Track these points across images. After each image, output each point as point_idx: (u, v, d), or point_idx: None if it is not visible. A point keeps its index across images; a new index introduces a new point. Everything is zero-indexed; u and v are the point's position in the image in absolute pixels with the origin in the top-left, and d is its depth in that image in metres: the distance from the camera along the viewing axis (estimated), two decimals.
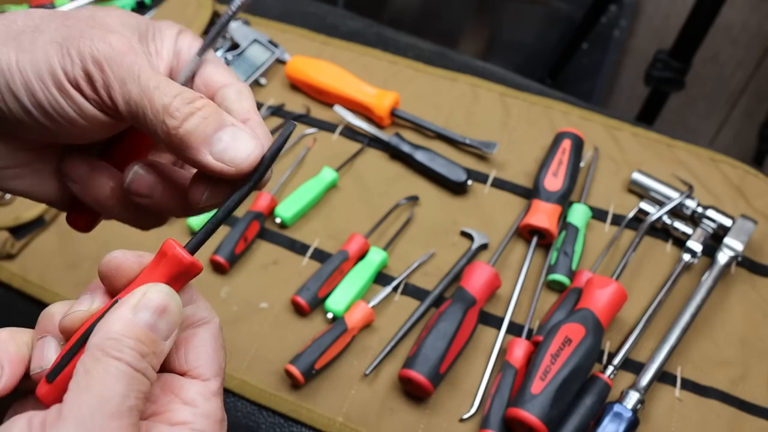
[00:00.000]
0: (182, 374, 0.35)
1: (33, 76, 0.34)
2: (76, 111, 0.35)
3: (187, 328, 0.36)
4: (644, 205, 0.81)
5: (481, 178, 0.85)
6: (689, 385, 0.69)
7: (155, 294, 0.33)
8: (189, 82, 0.40)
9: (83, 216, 0.43)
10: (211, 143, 0.34)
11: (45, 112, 0.35)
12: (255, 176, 0.35)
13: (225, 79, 0.39)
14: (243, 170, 0.35)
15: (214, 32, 0.39)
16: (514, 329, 0.73)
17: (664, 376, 0.69)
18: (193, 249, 0.35)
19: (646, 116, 1.42)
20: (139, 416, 0.31)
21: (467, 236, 0.80)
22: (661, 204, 0.80)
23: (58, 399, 0.32)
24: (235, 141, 0.35)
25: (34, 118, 0.35)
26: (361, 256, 0.77)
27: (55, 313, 0.36)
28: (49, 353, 0.34)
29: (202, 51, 0.39)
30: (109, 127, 0.37)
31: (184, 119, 0.34)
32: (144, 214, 0.42)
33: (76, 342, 0.33)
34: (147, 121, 0.34)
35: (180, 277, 0.35)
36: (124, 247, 0.39)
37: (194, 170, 0.39)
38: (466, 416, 0.66)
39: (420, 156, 0.84)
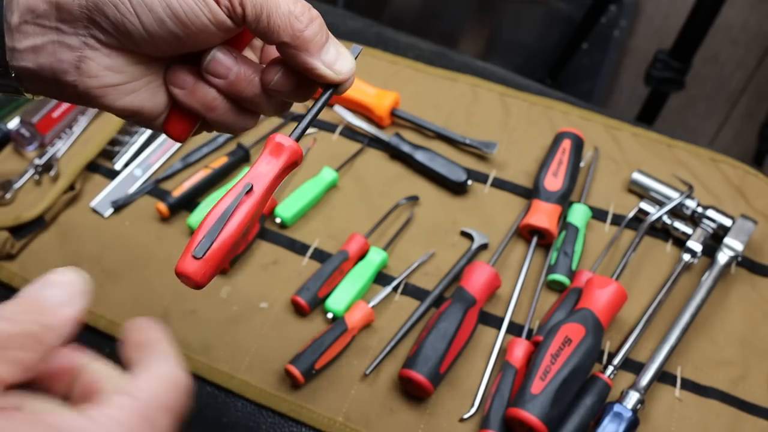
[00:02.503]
0: None
1: None
2: (209, 18, 0.39)
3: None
4: (644, 205, 0.81)
5: (481, 178, 0.85)
6: (689, 385, 0.69)
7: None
8: None
9: (182, 123, 0.46)
10: (322, 52, 0.41)
11: (179, 21, 0.39)
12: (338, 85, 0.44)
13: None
14: (345, 79, 0.43)
15: None
16: (514, 329, 0.73)
17: (664, 376, 0.69)
18: (297, 138, 0.42)
19: (646, 116, 1.42)
20: None
21: (467, 236, 0.80)
22: (661, 204, 0.80)
23: (208, 274, 0.38)
24: (340, 54, 0.42)
25: (167, 28, 0.39)
26: (361, 256, 0.77)
27: None
28: None
29: None
30: (228, 32, 0.41)
31: (308, 23, 0.40)
32: (241, 114, 0.46)
33: (216, 222, 0.39)
34: (270, 24, 0.40)
35: (291, 166, 0.42)
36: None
37: (268, 60, 0.46)
38: (466, 416, 0.66)
39: (420, 156, 0.84)
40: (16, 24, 0.38)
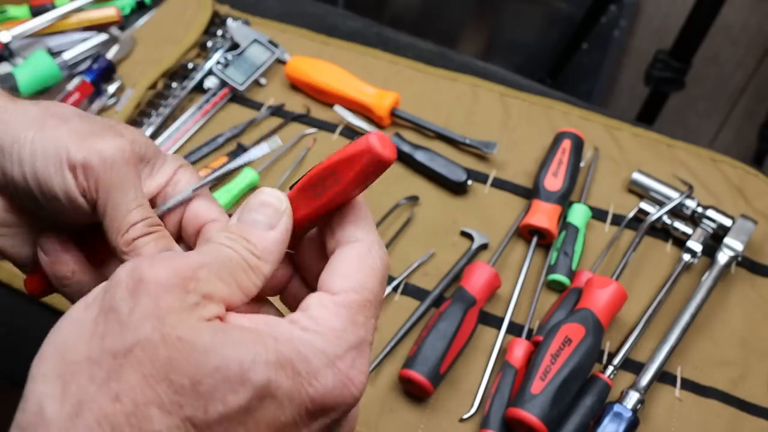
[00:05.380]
0: None
1: (39, 150, 0.38)
2: (61, 188, 0.39)
3: (334, 249, 0.36)
4: (644, 205, 0.81)
5: (481, 178, 0.85)
6: (689, 385, 0.69)
7: (254, 197, 0.36)
8: (180, 208, 0.43)
9: (43, 283, 0.45)
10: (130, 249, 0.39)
11: (38, 183, 0.39)
12: None
13: (214, 214, 0.43)
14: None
15: (212, 176, 0.43)
16: (514, 329, 0.73)
17: (664, 376, 0.69)
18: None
19: (646, 116, 1.42)
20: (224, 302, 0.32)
21: (467, 236, 0.80)
22: (661, 204, 0.80)
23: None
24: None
25: (29, 186, 0.39)
26: None
27: None
28: None
29: (198, 188, 0.43)
30: (84, 216, 0.40)
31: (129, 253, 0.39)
32: None
33: None
34: (106, 233, 0.39)
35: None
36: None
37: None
38: (466, 416, 0.66)
39: (420, 156, 0.84)
40: None
